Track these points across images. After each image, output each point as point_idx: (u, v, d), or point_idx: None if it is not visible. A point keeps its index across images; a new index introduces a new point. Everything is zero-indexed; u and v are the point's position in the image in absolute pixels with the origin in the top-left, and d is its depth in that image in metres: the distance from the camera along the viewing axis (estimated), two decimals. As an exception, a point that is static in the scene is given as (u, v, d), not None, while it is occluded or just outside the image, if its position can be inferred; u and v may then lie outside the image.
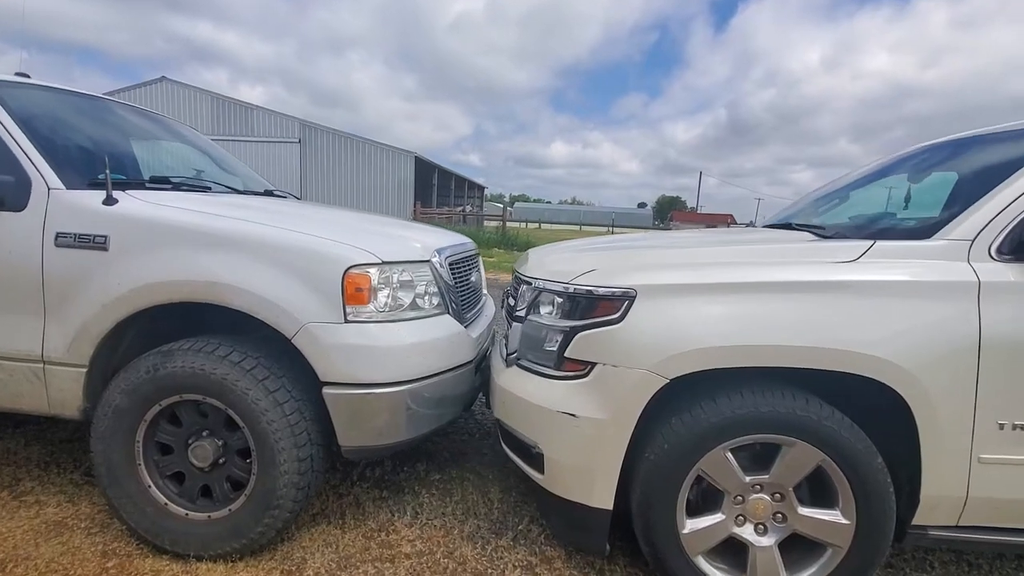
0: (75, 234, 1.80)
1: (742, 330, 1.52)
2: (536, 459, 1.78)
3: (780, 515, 1.65)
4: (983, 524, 1.62)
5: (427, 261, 2.06)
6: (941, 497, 1.57)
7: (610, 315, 1.64)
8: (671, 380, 1.56)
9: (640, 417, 1.60)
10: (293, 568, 1.79)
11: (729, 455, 1.61)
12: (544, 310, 1.85)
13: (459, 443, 2.83)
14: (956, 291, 1.50)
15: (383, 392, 1.80)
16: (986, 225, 1.56)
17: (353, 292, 1.78)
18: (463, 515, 2.15)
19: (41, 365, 1.85)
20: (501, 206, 32.23)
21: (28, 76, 2.41)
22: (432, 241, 2.26)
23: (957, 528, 1.62)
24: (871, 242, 1.63)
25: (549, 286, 1.83)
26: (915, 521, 1.62)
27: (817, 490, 1.64)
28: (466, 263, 2.53)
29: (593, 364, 1.65)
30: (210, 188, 2.51)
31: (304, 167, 22.16)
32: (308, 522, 2.04)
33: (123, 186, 1.97)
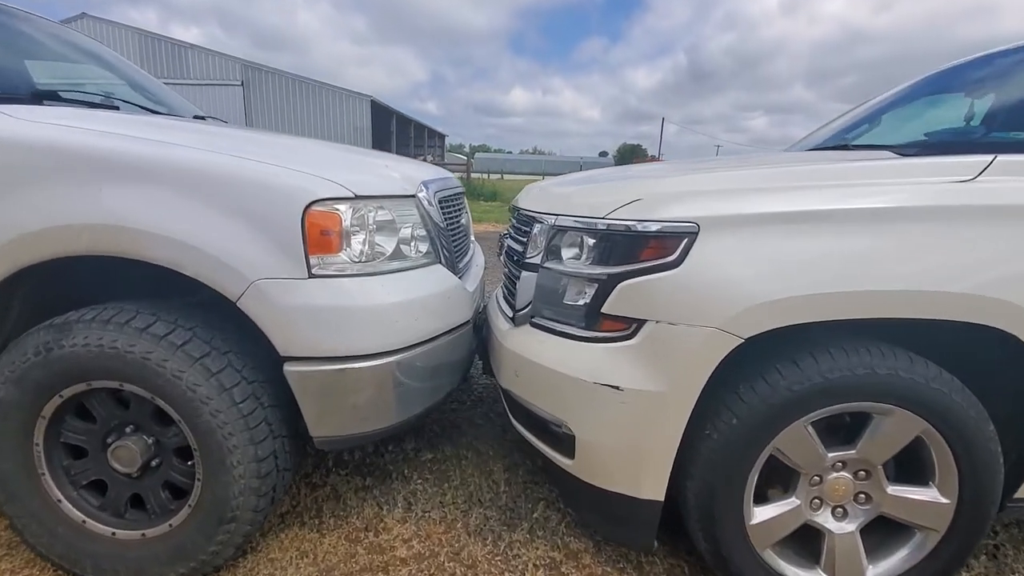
0: (-92, 162, 1.26)
1: (847, 273, 1.16)
2: (563, 441, 1.43)
3: (863, 495, 1.36)
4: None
5: (412, 196, 1.61)
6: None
7: (664, 257, 1.25)
8: (746, 340, 1.20)
9: (706, 386, 1.25)
10: (260, 590, 1.42)
11: (810, 429, 1.29)
12: (568, 254, 1.45)
13: (449, 413, 2.47)
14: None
15: (364, 366, 1.38)
16: None
17: (318, 236, 1.33)
18: (466, 503, 1.80)
19: None
20: (464, 156, 31.08)
21: None
22: (416, 172, 1.80)
23: (1065, 497, 1.38)
24: (991, 156, 1.27)
25: (576, 223, 1.42)
26: (1017, 494, 1.36)
27: (906, 464, 1.35)
28: (455, 202, 2.09)
29: (642, 322, 1.27)
30: (118, 108, 1.94)
31: (249, 113, 20.46)
32: (276, 525, 1.66)
33: (-12, 98, 1.41)
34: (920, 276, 1.16)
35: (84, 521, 1.39)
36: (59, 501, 1.39)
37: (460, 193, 2.24)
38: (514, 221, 1.97)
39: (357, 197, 1.40)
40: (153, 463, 1.40)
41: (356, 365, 1.37)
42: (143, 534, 1.39)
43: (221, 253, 1.27)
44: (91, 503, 1.42)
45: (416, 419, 1.58)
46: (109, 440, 1.38)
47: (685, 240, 1.24)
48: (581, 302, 1.39)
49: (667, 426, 1.28)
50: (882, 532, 1.39)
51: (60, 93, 1.74)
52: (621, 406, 1.29)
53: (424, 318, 1.53)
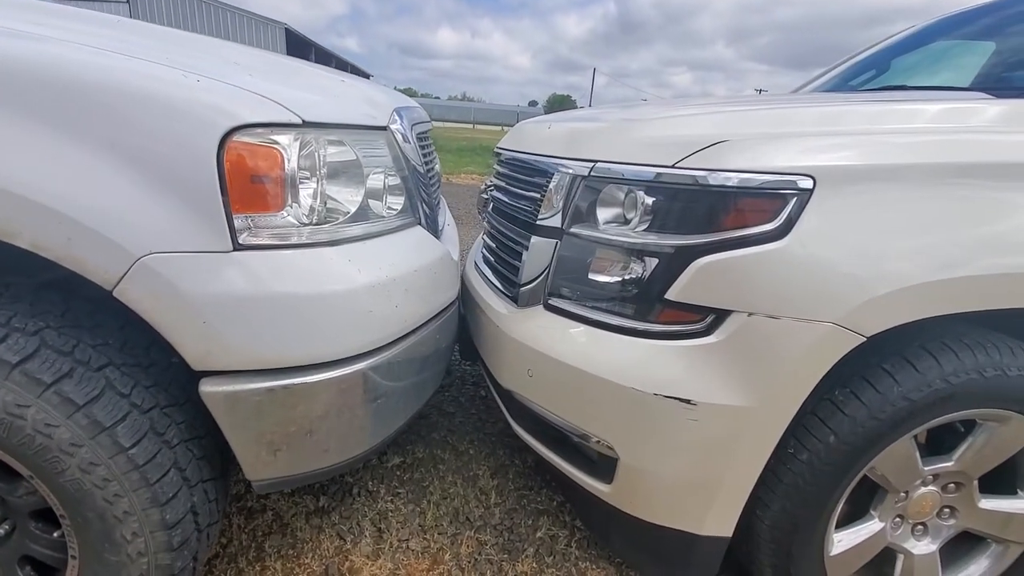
0: None
1: (996, 248, 0.87)
2: (599, 463, 1.09)
3: (948, 510, 1.14)
4: None
5: (383, 128, 1.14)
6: None
7: (763, 225, 0.90)
8: (869, 337, 0.89)
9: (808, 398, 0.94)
10: None
11: (913, 443, 1.03)
12: (607, 215, 1.07)
13: (434, 403, 2.06)
14: None
15: (323, 378, 0.95)
16: None
17: (246, 185, 0.85)
18: (452, 525, 1.44)
19: None
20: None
21: None
22: (384, 97, 1.31)
23: None
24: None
25: (626, 172, 1.03)
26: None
27: (996, 474, 1.14)
28: (428, 140, 1.61)
29: (725, 313, 0.93)
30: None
31: (138, 36, 17.69)
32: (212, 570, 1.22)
33: None
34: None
35: None
36: None
37: (429, 129, 1.76)
38: (505, 170, 1.54)
39: (305, 124, 0.91)
40: (4, 533, 0.91)
41: (311, 378, 0.93)
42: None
43: (84, 214, 0.77)
44: None
45: (396, 436, 1.18)
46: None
47: (795, 200, 0.89)
48: (632, 283, 1.02)
49: (751, 451, 0.97)
50: (957, 549, 1.20)
51: None
52: (691, 425, 0.95)
53: (407, 303, 1.10)
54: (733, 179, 0.91)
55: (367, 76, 38.54)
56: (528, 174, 1.35)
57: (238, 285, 0.85)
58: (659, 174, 0.97)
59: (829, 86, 2.25)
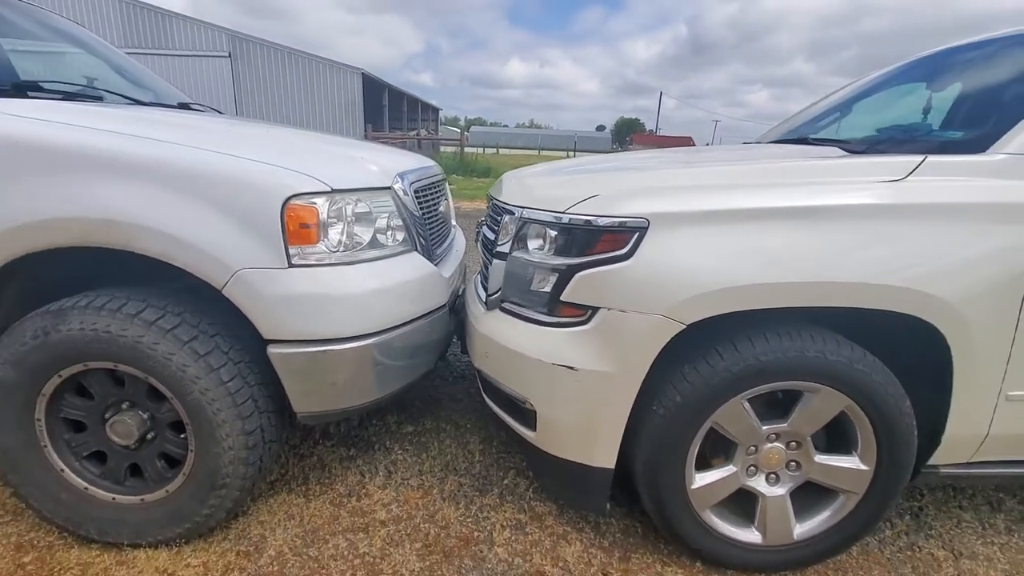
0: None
1: (779, 265, 1.28)
2: (527, 416, 1.56)
3: (794, 463, 1.51)
4: (993, 459, 1.53)
5: (388, 188, 1.71)
6: (963, 436, 1.46)
7: (617, 250, 1.36)
8: (688, 325, 1.33)
9: (652, 367, 1.38)
10: (251, 548, 1.56)
11: (747, 405, 1.42)
12: (533, 244, 1.56)
13: (431, 389, 2.60)
14: (1012, 214, 1.30)
15: (343, 348, 1.50)
16: (1050, 135, 1.34)
17: (297, 229, 1.43)
18: (442, 472, 1.95)
19: None
20: (458, 130, 30.71)
21: None
22: (392, 164, 1.89)
23: (968, 465, 1.53)
24: (922, 157, 1.39)
25: (539, 216, 1.53)
26: (933, 460, 1.51)
27: (833, 435, 1.50)
28: (433, 190, 2.18)
29: (595, 309, 1.39)
30: (102, 98, 2.00)
31: (237, 86, 20.05)
32: (266, 491, 1.80)
33: (-29, 92, 1.48)
34: (846, 269, 1.28)
35: (86, 488, 1.52)
36: (62, 470, 1.51)
37: (439, 181, 2.33)
38: (489, 210, 2.07)
39: (334, 191, 1.49)
40: (149, 436, 1.52)
41: (335, 347, 1.49)
42: (142, 499, 1.52)
43: (207, 245, 1.37)
44: (92, 472, 1.54)
45: (394, 396, 1.71)
46: (107, 415, 1.50)
47: (637, 234, 1.35)
48: (544, 290, 1.50)
49: (616, 403, 1.41)
50: (811, 495, 1.55)
51: (43, 84, 1.79)
52: (576, 384, 1.42)
53: (401, 303, 1.65)
54: (598, 221, 1.38)
55: (436, 110, 40.77)
56: (497, 213, 1.86)
57: (290, 288, 1.42)
58: (557, 217, 1.46)
59: (786, 131, 2.60)
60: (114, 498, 1.53)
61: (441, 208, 2.24)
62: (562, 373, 1.42)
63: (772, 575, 1.59)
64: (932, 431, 1.47)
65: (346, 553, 1.57)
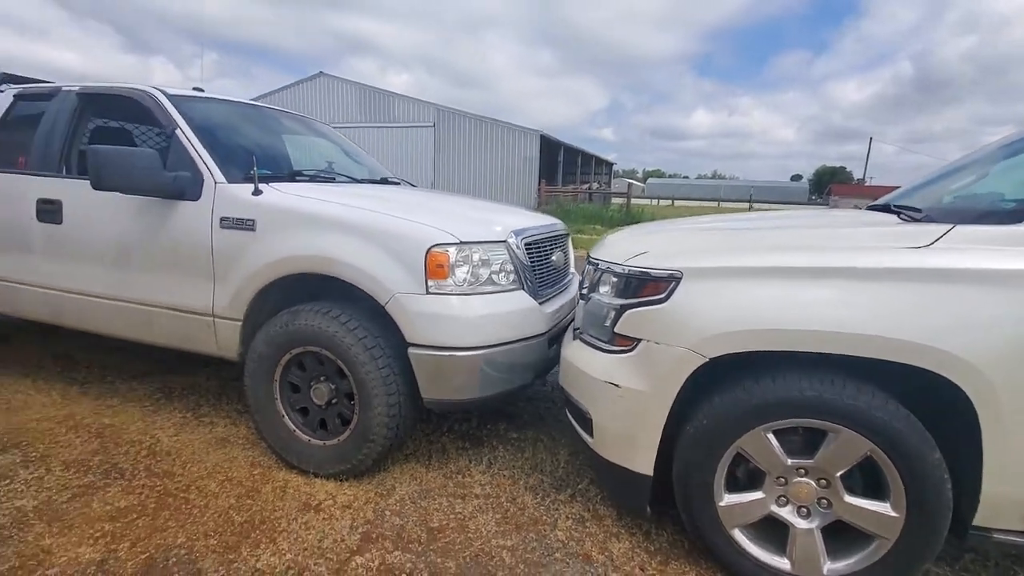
0: (233, 218, 2.32)
1: (779, 314, 1.54)
2: (587, 423, 1.96)
3: (825, 500, 1.65)
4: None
5: (503, 241, 2.30)
6: (1004, 499, 1.47)
7: (657, 295, 1.74)
8: (710, 359, 1.63)
9: (681, 391, 1.69)
10: (384, 492, 2.19)
11: (771, 436, 1.64)
12: (603, 289, 1.99)
13: (541, 409, 3.08)
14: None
15: (459, 355, 2.09)
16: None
17: (434, 268, 2.08)
18: (530, 469, 2.40)
19: (211, 318, 2.44)
20: (628, 183, 31.42)
21: (202, 90, 3.06)
22: (512, 223, 2.49)
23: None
24: (950, 226, 1.52)
25: (607, 266, 1.96)
26: (977, 521, 1.52)
27: (870, 479, 1.61)
28: (548, 243, 2.72)
29: (639, 340, 1.77)
30: (335, 179, 2.99)
31: (437, 149, 23.61)
32: (400, 460, 2.44)
33: (267, 179, 2.46)
34: (851, 322, 1.48)
35: (294, 430, 2.31)
36: (283, 416, 2.33)
37: (556, 236, 2.87)
38: (586, 263, 2.54)
39: (462, 243, 2.13)
40: (333, 401, 2.27)
41: (454, 354, 2.09)
42: (324, 443, 2.26)
43: (379, 276, 2.09)
44: (299, 420, 2.34)
45: (494, 399, 2.24)
46: (312, 383, 2.29)
47: (673, 283, 1.71)
48: (607, 324, 1.92)
49: (651, 417, 1.74)
50: (847, 535, 1.65)
51: (303, 171, 2.80)
52: (620, 399, 1.79)
53: (504, 328, 2.20)
54: (646, 272, 1.78)
55: (611, 164, 42.21)
56: (588, 265, 2.33)
57: (427, 309, 2.06)
58: (617, 266, 1.89)
59: (920, 187, 2.56)
60: (309, 440, 2.29)
61: (554, 258, 2.77)
62: (609, 388, 1.81)
63: (804, 607, 1.70)
64: (973, 488, 1.50)
65: (446, 510, 2.10)
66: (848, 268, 1.52)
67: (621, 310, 1.83)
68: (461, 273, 2.14)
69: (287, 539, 1.89)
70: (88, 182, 2.39)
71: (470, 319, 2.11)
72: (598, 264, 2.05)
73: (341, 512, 2.05)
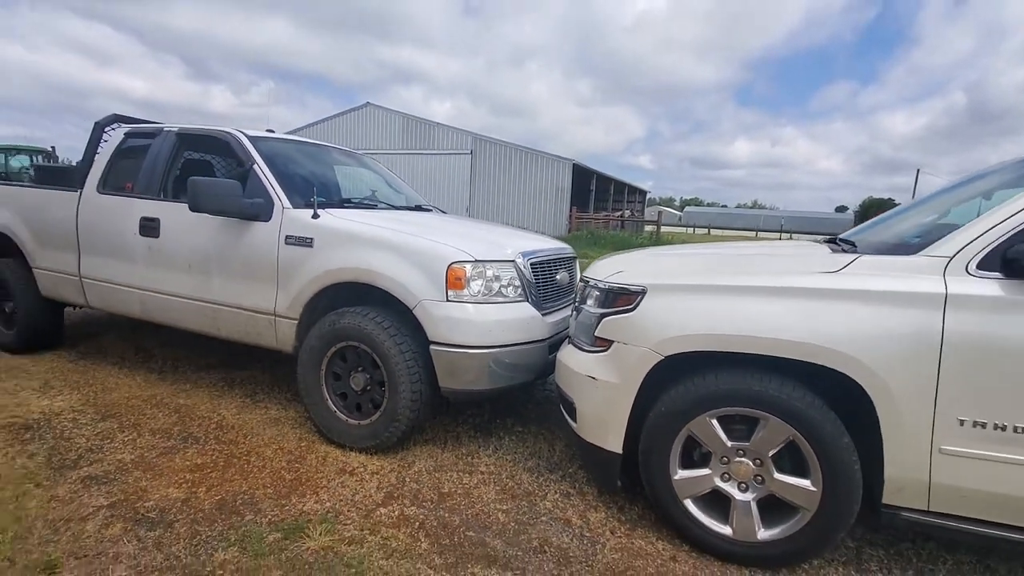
0: (296, 236, 2.88)
1: (718, 322, 1.95)
2: (573, 411, 2.37)
3: (760, 477, 2.01)
4: (956, 513, 1.79)
5: (511, 261, 2.78)
6: (904, 480, 1.80)
7: (627, 306, 2.17)
8: (666, 357, 2.04)
9: (644, 383, 2.09)
10: (406, 464, 2.65)
11: (715, 422, 2.02)
12: (590, 302, 2.43)
13: (547, 409, 3.49)
14: (923, 300, 1.74)
15: (472, 353, 2.55)
16: (966, 245, 1.76)
17: (453, 280, 2.57)
18: (529, 455, 2.82)
19: (273, 317, 2.98)
20: (659, 210, 31.65)
21: (273, 131, 3.69)
22: (522, 246, 2.96)
23: (929, 513, 1.82)
24: (856, 255, 1.91)
25: (594, 283, 2.40)
26: (885, 500, 1.86)
27: (797, 460, 1.97)
28: (554, 264, 3.17)
29: (612, 342, 2.19)
30: (376, 206, 3.55)
31: (473, 176, 24.57)
32: (420, 442, 2.89)
33: (323, 205, 3.02)
34: (770, 328, 1.87)
35: (335, 412, 2.81)
36: (327, 400, 2.83)
37: (563, 259, 3.32)
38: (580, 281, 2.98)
39: (476, 261, 2.61)
40: (367, 388, 2.75)
41: (467, 351, 2.55)
42: (359, 423, 2.74)
43: (409, 285, 2.58)
44: (339, 403, 2.83)
45: (500, 391, 2.68)
46: (351, 373, 2.78)
47: (640, 296, 2.14)
48: (590, 329, 2.35)
49: (619, 404, 2.15)
50: (780, 507, 2.00)
51: (352, 199, 3.36)
52: (596, 389, 2.21)
53: (510, 332, 2.66)
54: (619, 286, 2.21)
55: (644, 192, 42.53)
56: (580, 282, 2.77)
57: (447, 313, 2.55)
58: (599, 282, 2.32)
59: (852, 232, 2.95)
60: (347, 420, 2.78)
61: (558, 277, 3.21)
62: (588, 380, 2.23)
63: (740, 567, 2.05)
64: (880, 472, 1.84)
65: (455, 481, 2.54)
66: (771, 287, 1.92)
67: (601, 317, 2.26)
68: (475, 285, 2.62)
69: (327, 492, 2.36)
70: (182, 204, 3.01)
71: (482, 323, 2.58)
72: (588, 282, 2.49)
73: (370, 477, 2.52)
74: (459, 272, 2.57)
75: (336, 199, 3.43)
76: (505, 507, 2.35)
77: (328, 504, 2.28)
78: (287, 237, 2.90)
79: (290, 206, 2.96)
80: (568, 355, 2.46)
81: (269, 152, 3.25)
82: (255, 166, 3.10)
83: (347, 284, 2.75)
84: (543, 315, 2.86)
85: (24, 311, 3.97)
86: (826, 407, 1.88)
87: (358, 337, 2.67)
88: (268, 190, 3.02)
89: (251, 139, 3.26)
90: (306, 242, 2.85)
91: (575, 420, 2.36)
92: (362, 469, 2.58)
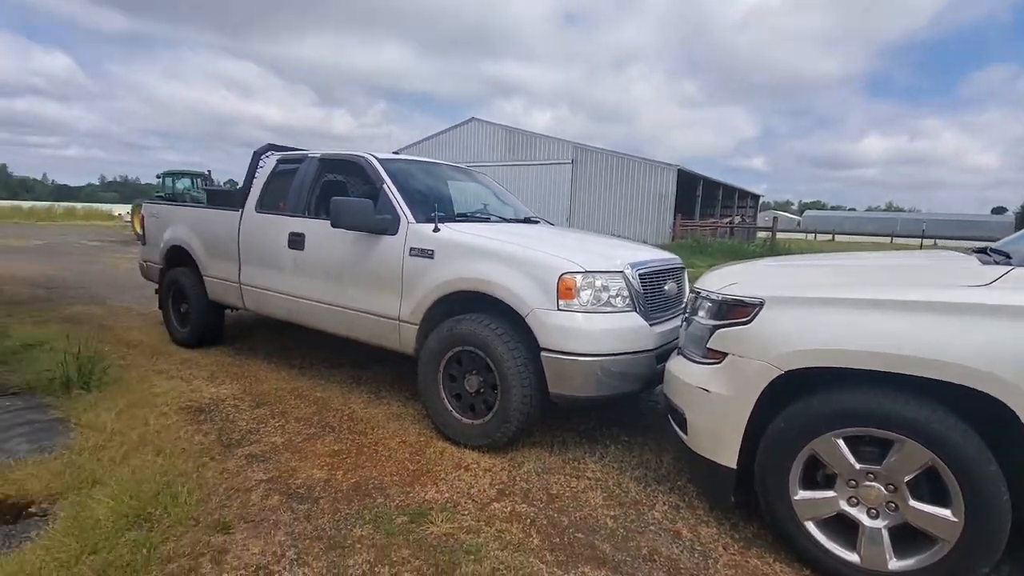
0: (419, 249, 3.15)
1: (843, 337, 1.86)
2: (683, 423, 2.37)
3: (893, 504, 1.88)
4: None
5: (620, 272, 2.83)
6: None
7: (743, 318, 2.13)
8: (785, 372, 1.98)
9: (761, 398, 2.04)
10: (516, 464, 2.78)
11: (841, 442, 1.92)
12: (701, 313, 2.41)
13: (654, 420, 3.47)
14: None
15: (581, 360, 2.64)
16: None
17: (564, 290, 2.68)
18: (636, 465, 2.83)
19: (397, 323, 3.28)
20: (774, 216, 29.50)
21: (398, 153, 4.05)
22: (630, 256, 3.00)
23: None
24: (1009, 268, 1.73)
25: (706, 294, 2.38)
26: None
27: (935, 486, 1.81)
28: (662, 275, 3.17)
29: (727, 354, 2.17)
30: (489, 219, 3.76)
31: (574, 185, 24.65)
32: (529, 444, 3.02)
33: (442, 220, 3.27)
34: (900, 344, 1.75)
35: (451, 411, 3.02)
36: (443, 399, 3.05)
37: (671, 269, 3.31)
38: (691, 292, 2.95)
39: (586, 272, 2.70)
40: (480, 390, 2.94)
41: (576, 359, 2.64)
42: (472, 422, 2.93)
43: (522, 295, 2.73)
44: (455, 403, 3.04)
45: (606, 399, 2.74)
46: (466, 375, 2.98)
47: (756, 308, 2.10)
48: (702, 341, 2.34)
49: (735, 418, 2.11)
50: (913, 535, 1.86)
51: (466, 213, 3.60)
52: (709, 401, 2.19)
53: (618, 342, 2.71)
54: (734, 298, 2.18)
55: (757, 197, 39.87)
56: (691, 293, 2.74)
57: (557, 322, 2.66)
58: (712, 294, 2.30)
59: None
60: (461, 419, 2.98)
61: (666, 287, 3.20)
62: (702, 392, 2.22)
63: (874, 600, 1.91)
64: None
65: (563, 484, 2.63)
66: (903, 301, 1.80)
67: (714, 329, 2.24)
68: (585, 295, 2.70)
69: (445, 484, 2.56)
70: (324, 220, 3.42)
71: (591, 332, 2.66)
72: (699, 293, 2.48)
73: (484, 473, 2.69)
74: (570, 282, 2.67)
75: (452, 214, 3.70)
76: (613, 513, 2.39)
77: (447, 495, 2.47)
78: (411, 249, 3.18)
79: (414, 221, 3.25)
80: (678, 366, 2.45)
81: (395, 172, 3.60)
82: (384, 185, 3.45)
83: (463, 293, 2.96)
84: (651, 325, 2.87)
85: (196, 312, 4.70)
86: (970, 431, 1.72)
87: (473, 342, 2.86)
88: (395, 206, 3.34)
89: (380, 161, 3.63)
90: (427, 254, 3.11)
91: (685, 432, 2.35)
92: (476, 465, 2.76)
